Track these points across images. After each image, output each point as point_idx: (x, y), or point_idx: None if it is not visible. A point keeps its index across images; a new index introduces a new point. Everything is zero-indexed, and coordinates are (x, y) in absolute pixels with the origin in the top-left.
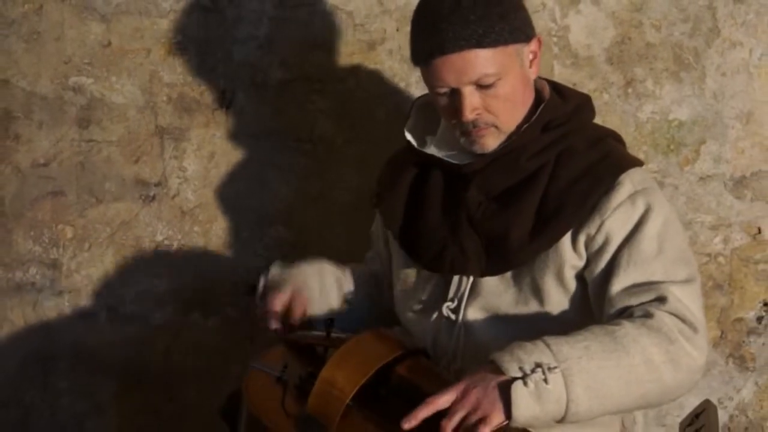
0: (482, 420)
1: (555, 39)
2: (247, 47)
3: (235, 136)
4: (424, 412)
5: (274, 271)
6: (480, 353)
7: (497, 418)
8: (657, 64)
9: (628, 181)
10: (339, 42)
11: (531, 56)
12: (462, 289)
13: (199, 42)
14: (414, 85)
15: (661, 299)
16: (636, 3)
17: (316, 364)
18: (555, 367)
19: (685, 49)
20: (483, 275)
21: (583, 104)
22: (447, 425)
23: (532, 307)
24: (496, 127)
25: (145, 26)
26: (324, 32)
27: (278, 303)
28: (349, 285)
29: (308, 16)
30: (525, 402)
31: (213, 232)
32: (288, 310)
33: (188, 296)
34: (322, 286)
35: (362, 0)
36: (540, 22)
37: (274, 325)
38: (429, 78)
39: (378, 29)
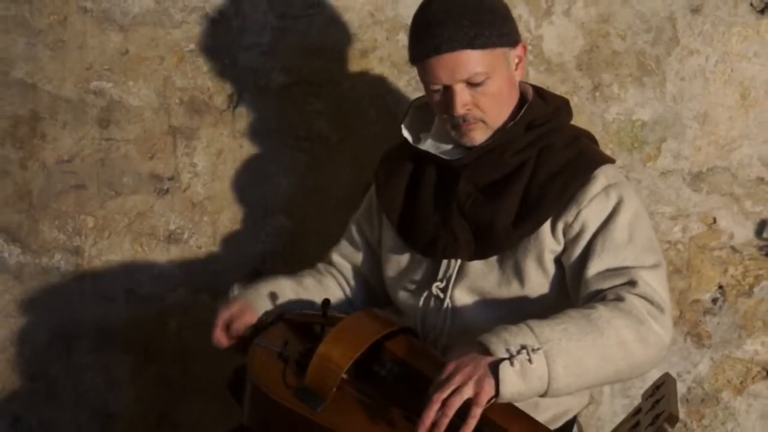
0: (474, 395)
1: (530, 47)
2: (252, 54)
3: (241, 134)
4: (432, 410)
5: (233, 292)
6: (465, 330)
7: (487, 395)
8: (622, 70)
9: (603, 176)
10: (335, 49)
11: (516, 60)
12: (450, 271)
13: (208, 50)
14: (402, 88)
15: (631, 283)
16: (603, 14)
17: (314, 340)
18: (538, 348)
19: (647, 56)
20: (471, 259)
21: (562, 106)
22: (439, 397)
23: (514, 287)
24: (484, 122)
25: (159, 36)
26: (321, 41)
27: (221, 317)
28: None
29: (307, 26)
30: (511, 380)
31: (220, 222)
32: (232, 324)
33: (198, 279)
34: (274, 301)
35: (356, 12)
36: None
37: (216, 335)
38: (425, 75)
39: (370, 38)
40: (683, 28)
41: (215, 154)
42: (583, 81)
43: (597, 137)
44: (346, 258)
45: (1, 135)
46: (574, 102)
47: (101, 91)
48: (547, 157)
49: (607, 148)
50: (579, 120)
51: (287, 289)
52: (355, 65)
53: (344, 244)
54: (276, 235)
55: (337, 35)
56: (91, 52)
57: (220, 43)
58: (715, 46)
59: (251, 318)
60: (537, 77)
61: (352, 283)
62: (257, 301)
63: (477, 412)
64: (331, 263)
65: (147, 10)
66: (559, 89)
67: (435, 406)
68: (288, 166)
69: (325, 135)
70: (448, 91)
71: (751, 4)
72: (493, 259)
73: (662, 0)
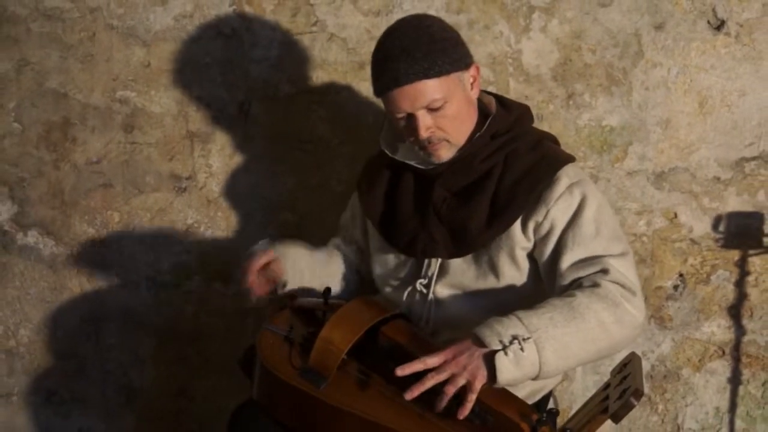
0: (468, 383)
1: (510, 60)
2: (261, 66)
3: (251, 138)
4: (417, 366)
5: (260, 245)
6: (448, 321)
7: (480, 382)
8: (593, 81)
9: (565, 176)
10: (335, 62)
11: (471, 80)
12: (432, 269)
13: (222, 62)
14: None
15: (604, 271)
16: (576, 31)
17: (317, 325)
18: (528, 338)
19: (615, 68)
20: (449, 257)
21: (523, 113)
22: (434, 377)
23: (490, 281)
24: (448, 141)
25: (178, 50)
26: (323, 54)
27: (256, 262)
28: (326, 271)
29: (310, 42)
30: (507, 368)
31: (233, 217)
32: (265, 271)
33: (213, 269)
34: (294, 264)
35: (354, 29)
36: (498, 47)
37: (250, 278)
38: (389, 106)
39: (367, 52)
40: (647, 43)
41: (228, 156)
42: (558, 90)
43: (570, 141)
44: (342, 249)
45: (36, 139)
46: (549, 109)
47: (126, 100)
48: (513, 161)
49: (579, 150)
50: (555, 126)
51: (304, 256)
52: (353, 76)
53: (338, 241)
54: (282, 228)
55: (337, 49)
56: (117, 65)
57: (233, 56)
58: (676, 59)
59: (282, 269)
60: (517, 87)
61: (351, 268)
62: (283, 257)
63: (472, 398)
64: (336, 246)
65: (167, 27)
66: (536, 98)
67: (428, 383)
68: (293, 166)
69: (327, 138)
70: (411, 118)
71: (708, 22)
72: (470, 256)
73: (628, 18)
